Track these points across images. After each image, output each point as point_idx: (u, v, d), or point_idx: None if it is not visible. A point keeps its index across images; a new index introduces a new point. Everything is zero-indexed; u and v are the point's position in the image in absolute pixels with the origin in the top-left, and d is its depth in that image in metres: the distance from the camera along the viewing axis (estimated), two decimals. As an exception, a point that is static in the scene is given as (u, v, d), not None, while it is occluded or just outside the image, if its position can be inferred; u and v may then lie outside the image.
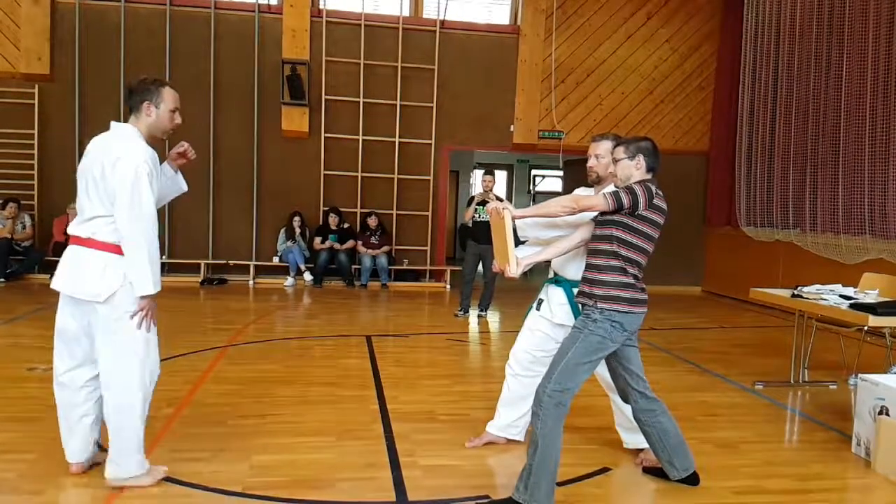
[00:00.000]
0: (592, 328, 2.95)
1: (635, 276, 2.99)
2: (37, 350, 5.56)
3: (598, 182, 3.38)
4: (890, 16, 7.39)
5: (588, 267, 3.10)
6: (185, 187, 3.26)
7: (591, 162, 3.37)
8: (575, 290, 3.29)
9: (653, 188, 2.99)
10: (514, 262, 3.07)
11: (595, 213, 3.08)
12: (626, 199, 2.92)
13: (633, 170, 3.07)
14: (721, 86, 11.01)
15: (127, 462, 2.97)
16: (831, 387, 5.28)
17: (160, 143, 3.12)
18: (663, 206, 3.02)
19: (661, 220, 3.02)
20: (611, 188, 3.15)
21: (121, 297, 2.89)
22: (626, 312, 2.96)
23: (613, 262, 2.98)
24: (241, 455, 3.43)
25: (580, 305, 3.12)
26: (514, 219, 3.08)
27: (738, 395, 5.00)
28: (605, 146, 3.33)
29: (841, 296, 4.87)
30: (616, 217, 2.98)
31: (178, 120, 3.09)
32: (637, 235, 2.98)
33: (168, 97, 3.02)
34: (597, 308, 2.97)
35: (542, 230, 3.45)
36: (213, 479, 3.14)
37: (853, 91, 7.85)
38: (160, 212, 3.02)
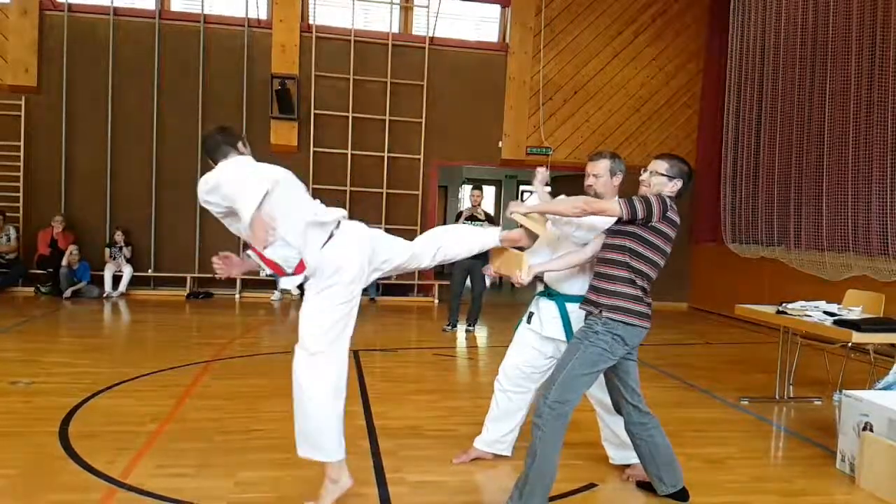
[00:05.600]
0: (593, 340, 2.92)
1: (643, 290, 2.98)
2: (20, 363, 5.50)
3: (596, 200, 3.39)
4: (872, 36, 7.52)
5: (597, 276, 3.07)
6: None
7: (590, 181, 3.34)
8: (568, 306, 3.29)
9: (668, 201, 2.98)
10: (526, 268, 3.06)
11: (605, 226, 3.07)
12: (640, 209, 2.90)
13: (666, 190, 3.06)
14: (707, 104, 11.14)
15: None
16: (816, 403, 5.31)
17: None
18: (676, 219, 3.01)
19: (673, 234, 3.01)
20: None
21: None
22: (630, 325, 2.93)
23: (623, 273, 2.96)
24: (226, 471, 3.40)
25: (584, 314, 3.08)
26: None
27: (724, 411, 5.02)
28: (602, 165, 3.33)
29: (825, 312, 4.91)
30: (629, 228, 2.96)
31: None
32: (650, 248, 2.96)
33: None
34: (601, 318, 2.94)
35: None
36: (196, 495, 3.10)
37: (836, 109, 7.96)
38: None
